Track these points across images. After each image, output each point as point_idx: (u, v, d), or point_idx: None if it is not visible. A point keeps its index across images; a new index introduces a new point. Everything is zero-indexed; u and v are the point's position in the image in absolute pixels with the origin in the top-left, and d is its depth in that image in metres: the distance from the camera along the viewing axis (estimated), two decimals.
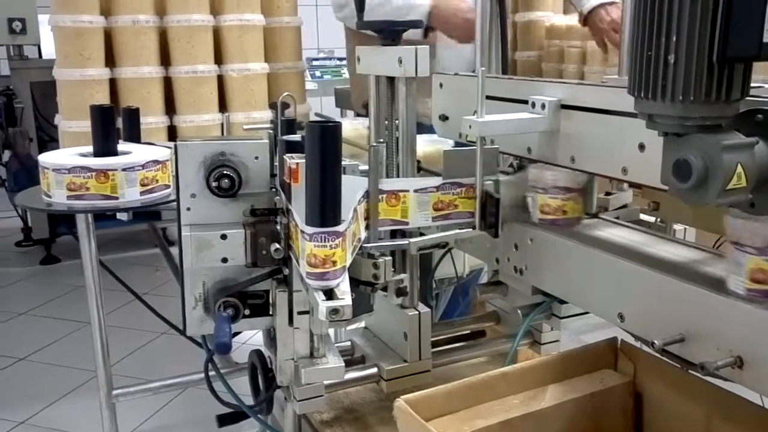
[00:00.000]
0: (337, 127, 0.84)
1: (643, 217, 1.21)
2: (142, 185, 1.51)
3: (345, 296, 0.85)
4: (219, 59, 2.37)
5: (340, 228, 0.85)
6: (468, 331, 1.37)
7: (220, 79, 2.37)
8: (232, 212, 1.01)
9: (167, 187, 1.58)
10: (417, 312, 1.18)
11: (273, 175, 1.05)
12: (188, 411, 2.62)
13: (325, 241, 0.85)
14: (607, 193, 1.25)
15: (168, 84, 2.33)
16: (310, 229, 0.85)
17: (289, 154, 0.97)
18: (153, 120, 2.25)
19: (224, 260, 0.99)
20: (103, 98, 2.19)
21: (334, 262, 0.86)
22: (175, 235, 4.46)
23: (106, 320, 1.96)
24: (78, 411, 2.65)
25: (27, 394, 2.80)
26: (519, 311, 1.16)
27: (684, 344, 0.83)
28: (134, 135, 1.75)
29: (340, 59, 4.89)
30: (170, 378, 2.22)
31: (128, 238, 4.49)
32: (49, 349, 3.20)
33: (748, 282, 0.80)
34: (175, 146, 0.99)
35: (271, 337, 1.11)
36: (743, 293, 0.81)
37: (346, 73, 4.27)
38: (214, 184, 0.98)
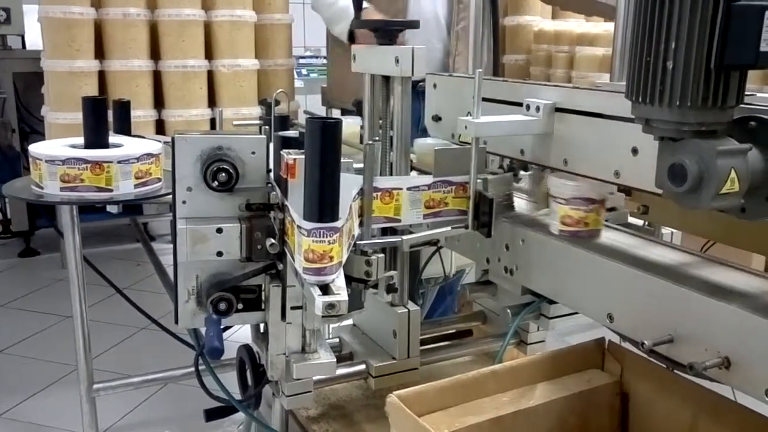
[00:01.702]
0: (338, 124, 0.85)
1: (631, 220, 1.23)
2: (137, 178, 1.50)
3: (341, 291, 0.85)
4: (209, 54, 2.37)
5: (337, 224, 0.86)
6: (454, 331, 1.39)
7: (210, 75, 2.37)
8: (228, 206, 1.01)
9: (159, 180, 1.58)
10: (406, 310, 1.19)
11: (268, 171, 1.06)
12: (168, 406, 2.61)
13: (323, 237, 0.85)
14: None
15: (157, 78, 2.32)
16: (308, 225, 0.85)
17: (286, 150, 0.97)
18: (141, 113, 2.24)
19: (219, 254, 0.99)
20: (92, 90, 2.18)
21: (331, 258, 0.86)
22: (156, 230, 4.43)
23: (87, 314, 1.96)
24: (57, 405, 2.62)
25: (5, 387, 2.77)
26: (508, 311, 1.18)
27: (672, 345, 0.85)
28: (125, 128, 1.75)
29: (327, 58, 4.89)
30: (151, 373, 2.22)
31: (109, 232, 4.45)
32: (28, 342, 3.16)
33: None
34: (173, 139, 0.99)
35: (261, 333, 1.12)
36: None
37: None
38: (211, 178, 0.98)
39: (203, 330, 1.13)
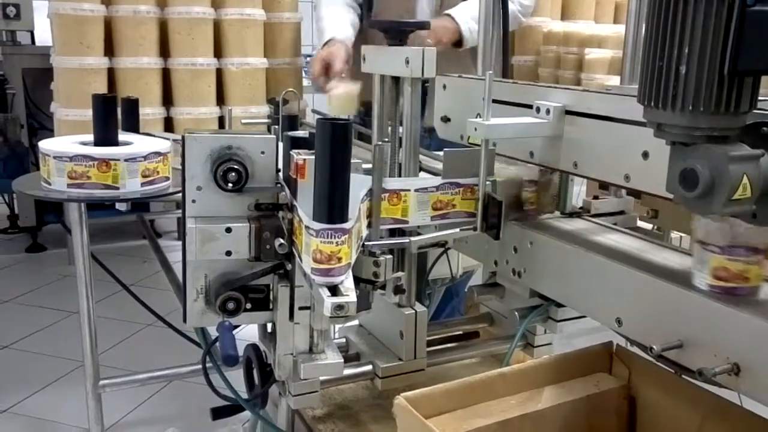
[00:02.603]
0: (349, 124, 0.85)
1: (640, 223, 1.23)
2: (144, 176, 1.50)
3: (350, 293, 0.85)
4: (218, 52, 2.37)
5: (346, 225, 0.86)
6: (461, 332, 1.39)
7: (219, 73, 2.37)
8: (237, 206, 1.01)
9: (167, 179, 1.58)
10: (414, 311, 1.19)
11: (277, 171, 1.06)
12: (174, 403, 2.61)
13: (331, 238, 0.85)
14: (595, 197, 1.27)
15: (166, 75, 2.33)
16: (317, 225, 0.85)
17: (296, 150, 0.97)
18: (150, 111, 2.25)
19: (228, 253, 0.99)
20: (101, 87, 2.19)
21: (340, 259, 0.86)
22: (163, 227, 4.44)
23: (94, 310, 1.96)
24: (63, 400, 2.63)
25: (11, 382, 2.79)
26: (516, 313, 1.18)
27: (682, 350, 0.85)
28: (133, 125, 1.75)
29: None
30: (157, 370, 2.22)
31: (115, 228, 4.47)
32: (34, 338, 3.18)
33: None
34: (183, 138, 0.99)
35: (268, 332, 1.12)
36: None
37: None
38: (221, 177, 0.98)
39: (211, 329, 1.13)
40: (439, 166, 1.15)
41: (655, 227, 1.24)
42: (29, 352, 3.05)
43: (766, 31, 0.65)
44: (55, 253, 4.23)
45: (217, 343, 1.08)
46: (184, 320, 1.04)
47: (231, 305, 1.01)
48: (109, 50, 2.28)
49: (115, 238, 4.42)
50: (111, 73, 2.27)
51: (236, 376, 1.19)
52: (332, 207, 0.85)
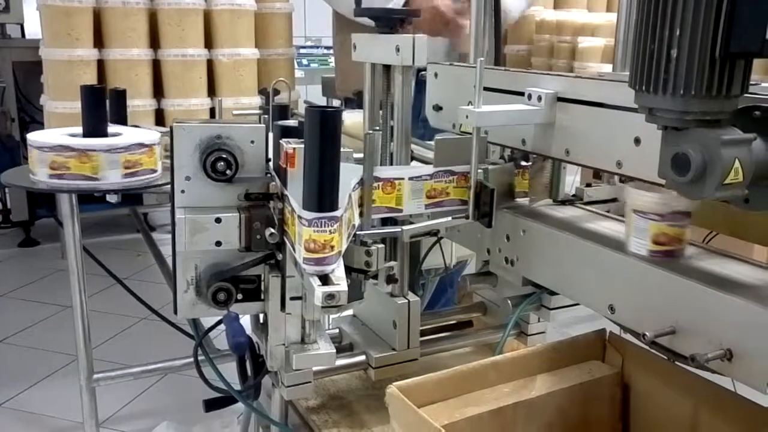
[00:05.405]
0: (338, 113, 0.84)
1: None
2: (125, 168, 1.50)
3: (341, 282, 0.85)
4: (209, 43, 2.36)
5: (337, 213, 0.86)
6: (454, 322, 1.38)
7: (210, 64, 2.36)
8: (227, 196, 1.01)
9: (153, 171, 1.57)
10: (406, 300, 1.18)
11: (267, 160, 1.05)
12: (168, 396, 2.61)
13: (324, 227, 0.85)
14: (588, 185, 1.27)
15: (157, 67, 2.31)
16: (309, 215, 0.85)
17: (286, 139, 0.97)
18: (140, 103, 2.23)
19: (218, 244, 0.98)
20: (91, 79, 2.17)
21: (332, 247, 0.86)
22: (156, 220, 4.42)
23: (87, 304, 1.96)
24: (57, 394, 2.63)
25: (5, 376, 2.78)
26: (509, 302, 1.17)
27: (674, 336, 0.85)
28: (121, 117, 1.74)
29: (327, 48, 4.88)
30: (151, 363, 2.22)
31: (108, 222, 4.46)
32: (28, 332, 3.17)
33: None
34: (171, 128, 0.98)
35: (260, 323, 1.11)
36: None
37: (333, 61, 4.26)
38: (210, 167, 0.97)
39: (203, 320, 1.12)
40: (432, 155, 1.14)
41: None
42: (23, 347, 3.04)
43: (757, 12, 0.64)
44: (48, 247, 4.22)
45: (224, 334, 1.07)
46: (175, 311, 1.03)
47: (222, 296, 1.00)
48: (99, 42, 2.26)
49: (109, 231, 4.41)
50: (101, 64, 2.26)
51: (229, 368, 1.18)
52: (322, 195, 0.84)
